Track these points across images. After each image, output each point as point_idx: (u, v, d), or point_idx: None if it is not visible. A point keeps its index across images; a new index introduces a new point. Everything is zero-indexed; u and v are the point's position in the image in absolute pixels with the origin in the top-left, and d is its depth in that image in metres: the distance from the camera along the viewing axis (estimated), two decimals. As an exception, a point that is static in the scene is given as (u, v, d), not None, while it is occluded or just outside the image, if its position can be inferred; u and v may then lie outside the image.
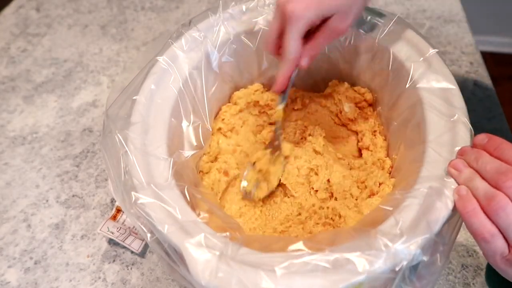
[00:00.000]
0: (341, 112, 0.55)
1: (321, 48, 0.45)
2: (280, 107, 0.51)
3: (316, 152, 0.50)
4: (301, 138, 0.55)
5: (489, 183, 0.33)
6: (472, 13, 0.76)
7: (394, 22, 0.49)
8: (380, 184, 0.47)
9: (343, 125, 0.56)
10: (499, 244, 0.31)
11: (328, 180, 0.48)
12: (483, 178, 0.33)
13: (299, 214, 0.47)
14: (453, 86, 0.42)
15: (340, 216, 0.45)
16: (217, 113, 0.56)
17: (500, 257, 0.32)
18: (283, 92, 0.50)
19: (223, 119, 0.55)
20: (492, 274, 0.37)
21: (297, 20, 0.41)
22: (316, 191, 0.48)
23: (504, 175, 0.31)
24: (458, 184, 0.35)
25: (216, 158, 0.52)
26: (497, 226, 0.31)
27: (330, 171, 0.48)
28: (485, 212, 0.32)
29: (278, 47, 0.45)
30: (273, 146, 0.51)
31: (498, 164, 0.33)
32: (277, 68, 0.46)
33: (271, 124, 0.57)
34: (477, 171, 0.34)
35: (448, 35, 0.76)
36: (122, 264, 0.52)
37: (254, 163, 0.51)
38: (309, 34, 0.44)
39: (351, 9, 0.42)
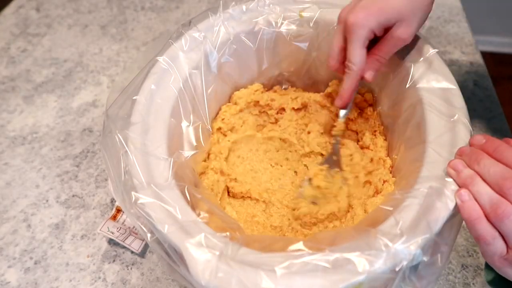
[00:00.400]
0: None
1: (385, 59, 0.44)
2: (342, 120, 0.49)
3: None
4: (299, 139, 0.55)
5: (492, 188, 0.32)
6: (472, 13, 0.76)
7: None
8: (384, 182, 0.47)
9: None
10: (499, 245, 0.32)
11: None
12: (484, 181, 0.33)
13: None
14: (453, 86, 0.42)
15: (351, 208, 0.46)
16: (217, 113, 0.56)
17: (498, 257, 0.32)
18: (346, 106, 0.48)
19: (223, 119, 0.55)
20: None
21: (358, 30, 0.40)
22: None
23: (509, 181, 0.31)
24: (458, 185, 0.35)
25: (213, 157, 0.52)
26: (499, 231, 0.32)
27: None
28: (489, 218, 0.32)
29: (342, 62, 0.44)
30: (332, 161, 0.50)
31: (501, 168, 0.32)
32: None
33: (272, 123, 0.57)
34: (478, 173, 0.34)
35: (448, 35, 0.76)
36: (122, 264, 0.52)
37: (310, 179, 0.49)
38: (372, 46, 0.43)
39: (415, 16, 0.41)
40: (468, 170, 0.34)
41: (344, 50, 0.43)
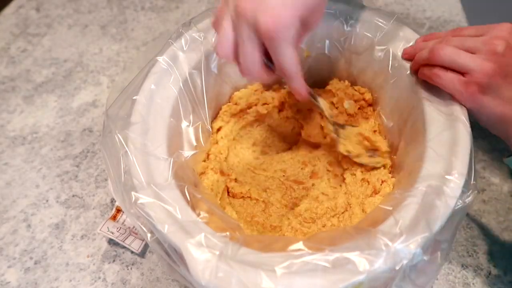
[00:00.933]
0: (337, 108, 0.55)
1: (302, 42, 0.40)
2: (321, 103, 0.47)
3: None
4: (297, 134, 0.55)
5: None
6: (472, 13, 0.76)
7: (393, 22, 0.49)
8: (382, 182, 0.47)
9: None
10: (449, 74, 0.39)
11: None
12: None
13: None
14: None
15: (350, 207, 0.46)
16: (217, 113, 0.56)
17: (459, 83, 0.38)
18: (311, 96, 0.45)
19: (223, 119, 0.55)
20: None
21: (284, 34, 0.34)
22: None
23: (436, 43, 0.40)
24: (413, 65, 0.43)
25: (213, 157, 0.52)
26: (445, 67, 0.39)
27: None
28: (430, 62, 0.40)
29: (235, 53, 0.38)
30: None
31: (433, 43, 0.41)
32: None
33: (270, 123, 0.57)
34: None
35: (448, 35, 0.76)
36: (122, 264, 0.52)
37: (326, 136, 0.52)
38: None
39: (324, 4, 0.38)
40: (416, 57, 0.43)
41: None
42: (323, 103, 0.48)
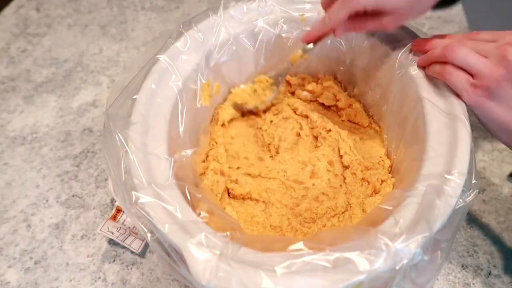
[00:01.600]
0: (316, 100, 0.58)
1: (362, 31, 0.48)
2: (299, 52, 0.50)
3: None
4: (297, 134, 0.55)
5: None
6: (472, 13, 0.76)
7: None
8: (382, 181, 0.47)
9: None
10: (460, 73, 0.39)
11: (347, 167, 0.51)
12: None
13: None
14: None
15: (350, 206, 0.47)
16: (217, 113, 0.56)
17: (468, 84, 0.39)
18: (307, 44, 0.49)
19: (223, 119, 0.55)
20: None
21: (354, 2, 0.41)
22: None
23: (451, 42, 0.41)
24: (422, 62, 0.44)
25: (212, 158, 0.52)
26: (456, 66, 0.39)
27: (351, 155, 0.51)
28: (443, 60, 0.40)
29: (330, 4, 0.45)
30: (277, 81, 0.55)
31: (447, 43, 0.41)
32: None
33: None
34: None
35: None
36: (122, 264, 0.52)
37: (255, 81, 0.56)
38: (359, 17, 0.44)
39: (408, 13, 0.42)
40: (427, 54, 0.43)
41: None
42: (295, 57, 0.51)
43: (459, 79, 0.39)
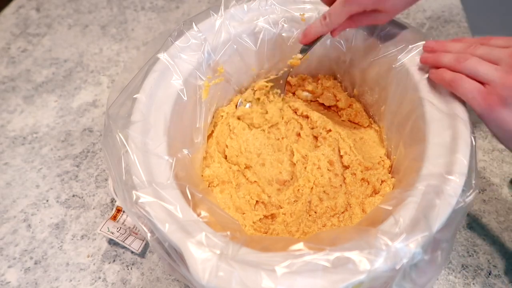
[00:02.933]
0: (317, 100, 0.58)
1: (355, 27, 0.49)
2: (299, 56, 0.51)
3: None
4: (297, 134, 0.55)
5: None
6: (472, 13, 0.76)
7: (395, 23, 0.49)
8: (382, 182, 0.47)
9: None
10: (471, 82, 0.38)
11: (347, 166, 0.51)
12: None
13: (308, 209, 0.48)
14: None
15: (350, 206, 0.47)
16: (217, 113, 0.56)
17: (478, 93, 0.38)
18: (306, 45, 0.50)
19: (223, 118, 0.55)
20: None
21: (355, 4, 0.43)
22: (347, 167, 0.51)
23: (465, 52, 0.40)
24: (427, 59, 0.43)
25: (210, 159, 0.52)
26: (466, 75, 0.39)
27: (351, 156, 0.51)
28: (454, 69, 0.40)
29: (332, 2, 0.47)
30: (278, 83, 0.56)
31: (459, 46, 0.41)
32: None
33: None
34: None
35: (448, 35, 0.76)
36: (122, 264, 0.52)
37: (255, 90, 0.56)
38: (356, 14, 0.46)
39: (398, 10, 0.45)
40: (434, 54, 0.43)
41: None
42: (295, 61, 0.52)
43: (469, 89, 0.38)
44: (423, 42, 0.46)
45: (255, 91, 0.57)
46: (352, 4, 0.43)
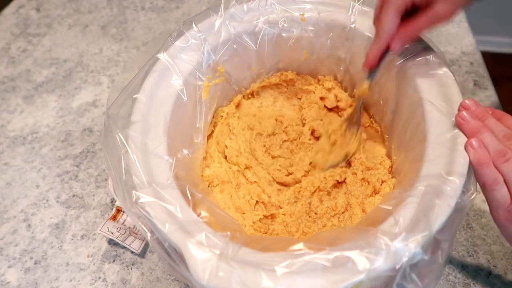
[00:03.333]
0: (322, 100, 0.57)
1: (418, 33, 0.43)
2: (366, 84, 0.49)
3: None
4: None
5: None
6: (472, 13, 0.76)
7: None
8: (382, 182, 0.47)
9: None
10: (503, 192, 0.35)
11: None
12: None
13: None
14: (453, 86, 0.42)
15: (350, 206, 0.47)
16: (217, 112, 0.56)
17: (503, 210, 0.35)
18: (371, 69, 0.47)
19: (223, 118, 0.55)
20: None
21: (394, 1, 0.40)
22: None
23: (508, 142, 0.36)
24: (465, 133, 0.38)
25: (210, 159, 0.52)
26: (502, 176, 0.35)
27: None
28: (493, 162, 0.36)
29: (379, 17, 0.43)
30: (352, 121, 0.52)
31: (504, 128, 0.37)
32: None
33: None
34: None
35: (448, 35, 0.76)
36: (122, 264, 0.52)
37: (330, 135, 0.52)
38: (410, 17, 0.42)
39: None
40: (476, 121, 0.37)
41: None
42: (364, 90, 0.49)
43: (499, 198, 0.36)
44: (423, 42, 0.46)
45: (330, 135, 0.52)
46: (394, 0, 0.40)
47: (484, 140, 0.36)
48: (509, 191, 0.35)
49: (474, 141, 0.36)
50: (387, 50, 0.44)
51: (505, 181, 0.35)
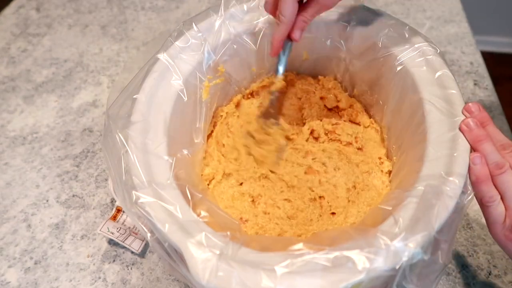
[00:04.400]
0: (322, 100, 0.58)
1: (310, 20, 0.46)
2: (279, 77, 0.51)
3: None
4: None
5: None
6: (472, 13, 0.76)
7: (395, 24, 0.49)
8: (382, 182, 0.47)
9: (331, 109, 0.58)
10: (499, 209, 0.36)
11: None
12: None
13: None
14: (453, 86, 0.42)
15: (350, 207, 0.47)
16: (217, 112, 0.56)
17: (499, 224, 0.36)
18: (278, 58, 0.50)
19: (222, 118, 0.55)
20: None
21: None
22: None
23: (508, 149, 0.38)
24: (468, 140, 0.38)
25: (210, 158, 0.52)
26: (498, 189, 0.36)
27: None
28: (492, 176, 0.37)
29: (276, 9, 0.46)
30: (269, 114, 0.54)
31: (503, 137, 0.39)
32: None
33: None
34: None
35: (448, 35, 0.76)
36: (122, 264, 0.52)
37: (254, 137, 0.53)
38: (303, 4, 0.45)
39: None
40: (479, 130, 0.38)
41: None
42: (279, 84, 0.52)
43: (495, 214, 0.36)
44: (423, 42, 0.46)
45: (254, 137, 0.53)
46: None
47: (484, 151, 0.37)
48: (505, 205, 0.36)
49: (476, 158, 0.37)
50: (289, 38, 0.47)
51: (500, 195, 0.36)
